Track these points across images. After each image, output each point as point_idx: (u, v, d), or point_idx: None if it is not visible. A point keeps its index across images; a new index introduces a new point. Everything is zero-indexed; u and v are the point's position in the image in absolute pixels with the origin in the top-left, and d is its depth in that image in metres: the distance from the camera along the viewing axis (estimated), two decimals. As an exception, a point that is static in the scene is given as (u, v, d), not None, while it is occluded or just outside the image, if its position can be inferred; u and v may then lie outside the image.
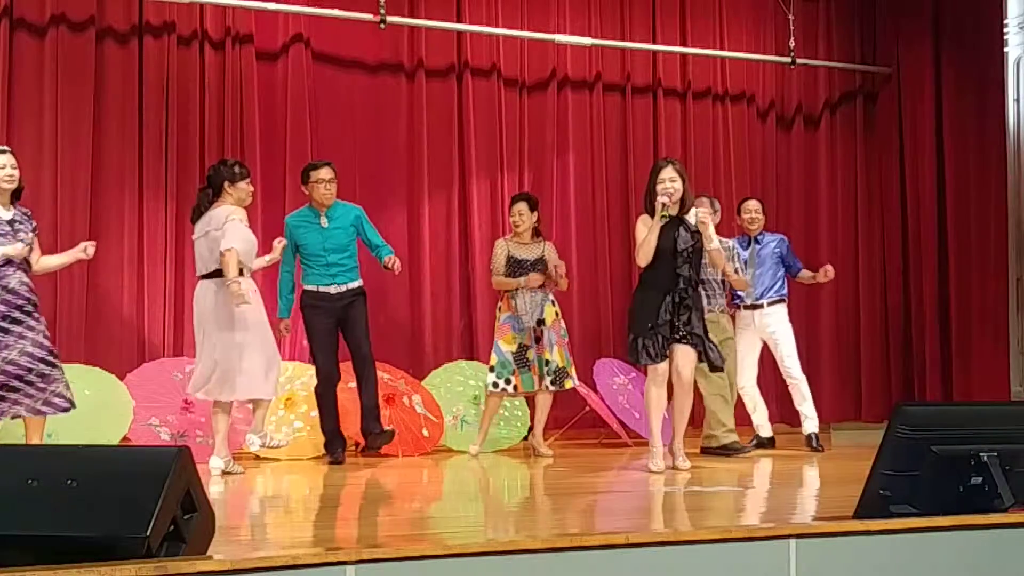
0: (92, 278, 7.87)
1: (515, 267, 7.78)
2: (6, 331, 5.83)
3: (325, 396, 7.31)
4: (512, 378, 7.71)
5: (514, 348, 7.73)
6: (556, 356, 7.82)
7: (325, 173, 7.33)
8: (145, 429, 7.29)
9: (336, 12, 8.53)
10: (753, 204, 8.41)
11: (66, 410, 6.01)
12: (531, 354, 7.75)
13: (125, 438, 7.19)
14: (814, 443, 7.95)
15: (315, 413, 7.56)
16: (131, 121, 8.09)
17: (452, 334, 8.85)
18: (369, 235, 7.45)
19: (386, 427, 7.38)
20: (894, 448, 3.81)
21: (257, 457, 7.58)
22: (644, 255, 6.44)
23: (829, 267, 8.30)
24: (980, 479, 3.84)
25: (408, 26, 8.90)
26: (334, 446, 7.33)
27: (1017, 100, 9.71)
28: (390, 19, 8.57)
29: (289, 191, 8.42)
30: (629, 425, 8.41)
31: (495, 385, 7.71)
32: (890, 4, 10.38)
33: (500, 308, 7.86)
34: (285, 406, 7.73)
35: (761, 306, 8.12)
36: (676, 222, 6.44)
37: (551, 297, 7.89)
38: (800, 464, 7.13)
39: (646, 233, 6.43)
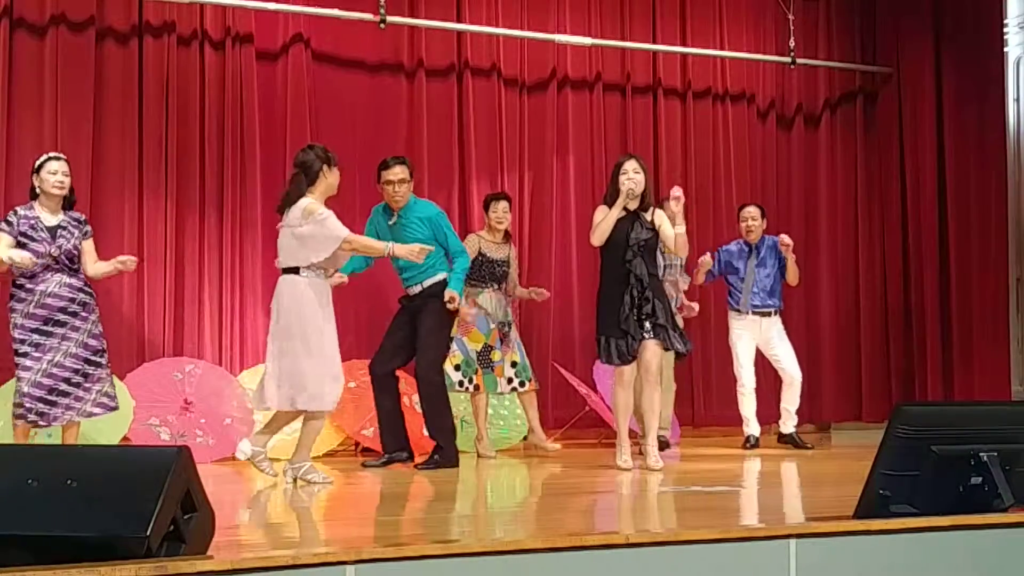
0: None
1: (485, 265, 7.72)
2: (49, 334, 5.96)
3: (376, 387, 7.01)
4: (474, 377, 7.63)
5: (479, 347, 7.68)
6: (524, 357, 7.86)
7: (393, 173, 6.92)
8: (145, 429, 7.29)
9: (336, 12, 8.53)
10: (749, 211, 8.41)
11: (112, 409, 6.14)
12: (496, 355, 7.71)
13: (125, 438, 7.19)
14: (799, 441, 8.06)
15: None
16: (131, 121, 8.09)
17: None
18: (447, 241, 6.94)
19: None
20: (894, 448, 3.81)
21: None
22: (599, 235, 6.48)
23: (782, 235, 8.23)
24: (980, 479, 3.85)
25: (408, 26, 8.90)
26: (387, 448, 7.00)
27: (1017, 100, 9.71)
28: (390, 19, 8.58)
29: (289, 191, 8.42)
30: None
31: (460, 384, 7.57)
32: (890, 4, 10.38)
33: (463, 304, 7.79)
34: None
35: (769, 314, 8.21)
36: (632, 217, 6.48)
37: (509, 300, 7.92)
38: (800, 464, 7.13)
39: (601, 217, 6.49)
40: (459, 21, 9.10)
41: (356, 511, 5.19)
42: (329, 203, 6.24)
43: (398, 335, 7.03)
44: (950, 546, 3.71)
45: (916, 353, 10.07)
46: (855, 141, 10.42)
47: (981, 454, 3.85)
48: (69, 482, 3.05)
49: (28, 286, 5.98)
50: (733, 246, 8.44)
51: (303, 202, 5.96)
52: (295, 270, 5.92)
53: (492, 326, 7.73)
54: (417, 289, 6.98)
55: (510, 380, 7.76)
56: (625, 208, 6.46)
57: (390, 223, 7.01)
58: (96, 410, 6.06)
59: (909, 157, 10.15)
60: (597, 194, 9.48)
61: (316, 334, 5.87)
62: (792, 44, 9.93)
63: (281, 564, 3.03)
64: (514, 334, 7.87)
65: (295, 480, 5.94)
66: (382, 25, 8.55)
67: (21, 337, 5.94)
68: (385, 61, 8.94)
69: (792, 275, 8.27)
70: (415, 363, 7.01)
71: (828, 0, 10.44)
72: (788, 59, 9.99)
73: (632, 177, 6.46)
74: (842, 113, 10.45)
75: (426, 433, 7.14)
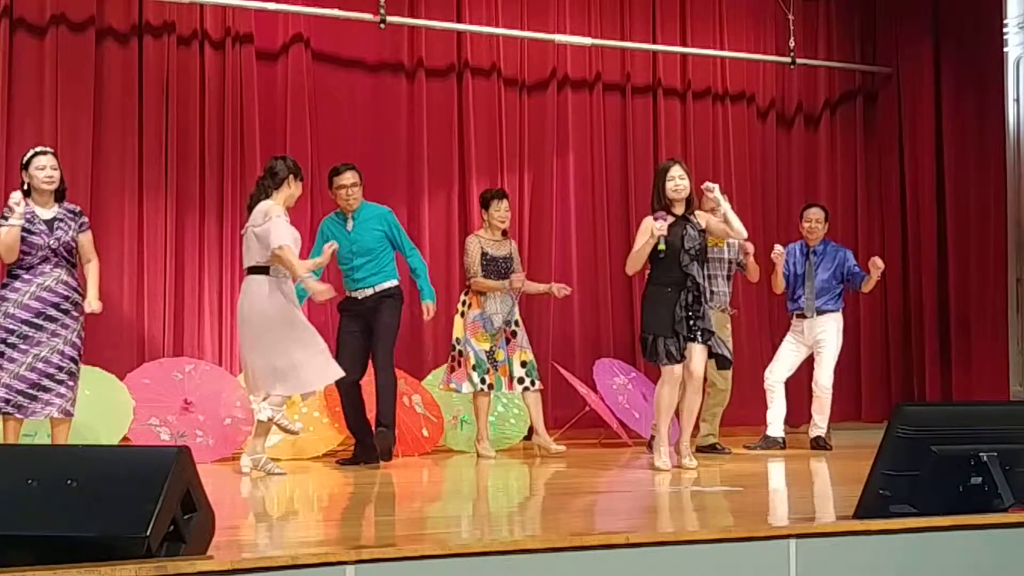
0: (92, 278, 7.88)
1: (490, 265, 7.72)
2: (39, 328, 5.90)
3: (343, 398, 7.15)
4: (487, 377, 7.64)
5: (487, 347, 7.68)
6: (531, 356, 7.85)
7: (345, 179, 7.10)
8: (145, 429, 7.29)
9: (336, 12, 8.54)
10: (813, 212, 8.30)
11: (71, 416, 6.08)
12: (500, 355, 7.70)
13: (125, 438, 7.18)
14: (822, 443, 8.06)
15: (317, 413, 7.63)
16: (131, 121, 8.09)
17: (451, 334, 8.83)
18: (398, 238, 7.19)
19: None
20: (894, 448, 3.81)
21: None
22: (632, 266, 6.55)
23: (875, 259, 8.12)
24: (980, 479, 3.85)
25: (408, 26, 8.90)
26: (362, 449, 7.10)
27: (1017, 100, 9.71)
28: (390, 19, 8.58)
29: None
30: (629, 425, 8.41)
31: (475, 385, 7.63)
32: (890, 4, 10.39)
33: (467, 305, 7.75)
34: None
35: (811, 316, 8.13)
36: (682, 221, 6.48)
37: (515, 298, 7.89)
38: (801, 464, 7.13)
39: (642, 243, 6.46)
40: (459, 21, 9.10)
41: (356, 511, 5.19)
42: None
43: (353, 345, 7.10)
44: (950, 546, 3.71)
45: (916, 353, 10.07)
46: (855, 141, 10.42)
47: (981, 454, 3.85)
48: (69, 482, 3.05)
49: (26, 277, 5.92)
50: (793, 247, 8.31)
51: (264, 204, 6.36)
52: (256, 270, 6.34)
53: (498, 325, 7.72)
54: (368, 292, 7.10)
55: (521, 380, 7.75)
56: (673, 214, 6.47)
57: (348, 229, 7.12)
58: (72, 410, 5.99)
59: (909, 157, 10.15)
60: (597, 194, 9.50)
61: (300, 326, 6.37)
62: (792, 44, 9.93)
63: (281, 564, 3.03)
64: (523, 333, 7.85)
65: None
66: (382, 25, 8.55)
67: (10, 327, 5.84)
68: (385, 61, 8.94)
69: (868, 288, 8.29)
70: (374, 354, 7.06)
71: (828, 0, 10.44)
72: (788, 59, 9.99)
73: (678, 184, 6.49)
74: (842, 113, 10.45)
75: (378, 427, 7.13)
